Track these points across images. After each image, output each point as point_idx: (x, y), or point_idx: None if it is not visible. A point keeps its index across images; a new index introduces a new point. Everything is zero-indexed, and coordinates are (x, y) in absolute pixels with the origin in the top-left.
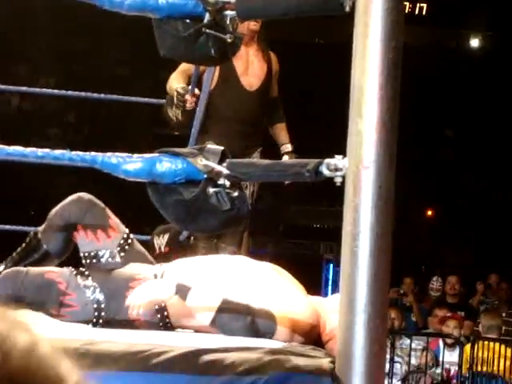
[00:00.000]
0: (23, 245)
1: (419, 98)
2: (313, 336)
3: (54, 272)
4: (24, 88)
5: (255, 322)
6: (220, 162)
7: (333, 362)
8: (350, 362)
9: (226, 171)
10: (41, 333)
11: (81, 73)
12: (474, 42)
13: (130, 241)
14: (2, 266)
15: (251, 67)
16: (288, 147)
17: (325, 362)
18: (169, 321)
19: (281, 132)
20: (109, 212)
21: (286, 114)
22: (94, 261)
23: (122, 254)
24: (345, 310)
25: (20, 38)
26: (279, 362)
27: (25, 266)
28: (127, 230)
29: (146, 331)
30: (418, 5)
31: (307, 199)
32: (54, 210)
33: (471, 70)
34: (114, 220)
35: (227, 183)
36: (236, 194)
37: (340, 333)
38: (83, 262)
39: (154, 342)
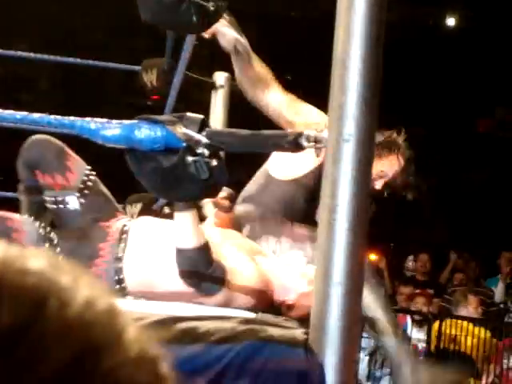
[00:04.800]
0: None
1: (391, 73)
2: (263, 302)
3: (15, 220)
4: None
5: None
6: (199, 131)
7: (306, 333)
8: (323, 334)
9: (205, 140)
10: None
11: (54, 38)
12: (451, 21)
13: (90, 183)
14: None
15: None
16: None
17: (298, 333)
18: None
19: None
20: (67, 152)
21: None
22: (54, 206)
23: (82, 200)
24: (320, 281)
25: None
26: (253, 331)
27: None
28: (87, 170)
29: (119, 298)
30: None
31: None
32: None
33: (447, 48)
34: (73, 161)
35: (206, 152)
36: (215, 163)
37: (315, 304)
38: (48, 206)
39: (129, 309)
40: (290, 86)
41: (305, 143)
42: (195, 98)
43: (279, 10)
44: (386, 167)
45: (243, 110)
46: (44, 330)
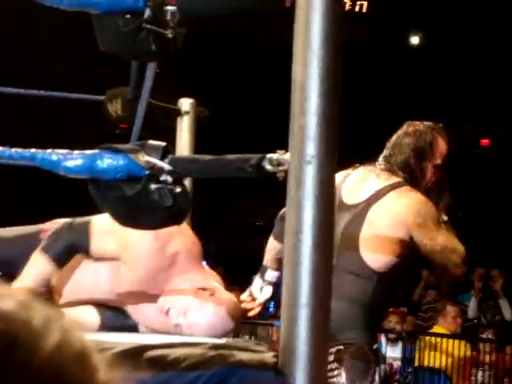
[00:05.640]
0: None
1: (356, 93)
2: None
3: None
4: None
5: None
6: (162, 158)
7: (276, 356)
8: (293, 356)
9: (167, 167)
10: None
11: (18, 71)
12: (415, 40)
13: None
14: None
15: None
16: None
17: (268, 356)
18: None
19: None
20: None
21: (232, 111)
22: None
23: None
24: (287, 304)
25: None
26: (223, 356)
27: None
28: None
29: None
30: (358, 2)
31: (250, 196)
32: None
33: (412, 66)
34: None
35: (169, 179)
36: (178, 190)
37: (283, 327)
38: None
39: (97, 338)
40: (252, 107)
41: (268, 166)
42: (162, 126)
43: (243, 34)
44: (440, 157)
45: (209, 136)
46: (11, 378)
